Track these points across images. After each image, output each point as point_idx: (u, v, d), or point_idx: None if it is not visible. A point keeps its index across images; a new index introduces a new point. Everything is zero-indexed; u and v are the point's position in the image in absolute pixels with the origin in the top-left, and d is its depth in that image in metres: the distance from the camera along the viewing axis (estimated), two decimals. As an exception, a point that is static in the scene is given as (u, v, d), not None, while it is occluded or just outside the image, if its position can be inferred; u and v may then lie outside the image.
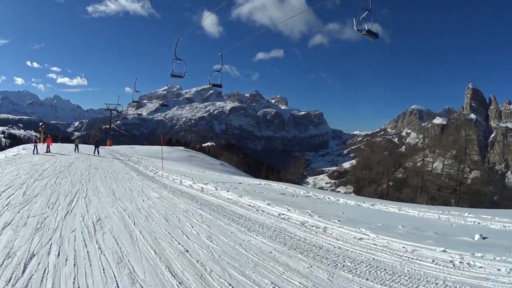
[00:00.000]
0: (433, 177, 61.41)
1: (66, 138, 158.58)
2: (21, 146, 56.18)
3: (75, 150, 50.23)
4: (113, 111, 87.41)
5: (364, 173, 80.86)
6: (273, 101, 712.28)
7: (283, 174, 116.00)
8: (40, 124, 64.68)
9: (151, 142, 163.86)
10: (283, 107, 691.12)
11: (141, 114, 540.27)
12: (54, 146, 52.30)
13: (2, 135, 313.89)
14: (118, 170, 31.86)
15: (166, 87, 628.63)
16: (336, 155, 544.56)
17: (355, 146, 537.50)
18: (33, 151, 43.53)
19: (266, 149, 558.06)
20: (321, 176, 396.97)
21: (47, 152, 45.08)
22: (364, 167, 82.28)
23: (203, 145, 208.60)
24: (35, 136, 53.53)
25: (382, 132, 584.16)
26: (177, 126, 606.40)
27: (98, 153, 48.50)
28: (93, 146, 52.37)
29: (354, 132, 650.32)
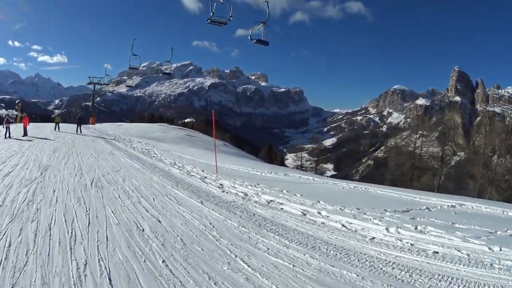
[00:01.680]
0: (416, 158, 55.77)
1: (45, 117, 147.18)
2: None
3: (55, 129, 44.41)
4: (97, 86, 79.15)
5: (345, 151, 74.74)
6: (253, 77, 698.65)
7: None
8: (17, 101, 57.03)
9: (132, 119, 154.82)
10: (263, 84, 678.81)
11: (114, 91, 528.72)
12: (31, 127, 43.50)
13: None
14: (138, 177, 19.05)
15: (147, 64, 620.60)
16: (316, 132, 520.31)
17: (335, 124, 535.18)
18: (5, 134, 34.14)
19: (246, 125, 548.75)
20: (301, 153, 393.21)
21: (24, 135, 36.26)
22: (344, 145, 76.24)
23: (184, 121, 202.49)
24: (7, 115, 41.78)
25: (363, 111, 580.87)
26: (156, 103, 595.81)
27: (81, 132, 43.78)
28: (75, 124, 46.46)
29: (335, 110, 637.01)
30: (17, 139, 33.25)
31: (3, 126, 35.68)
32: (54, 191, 14.32)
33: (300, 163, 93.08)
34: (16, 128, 40.40)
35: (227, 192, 17.05)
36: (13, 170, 17.81)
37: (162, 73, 46.28)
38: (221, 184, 18.70)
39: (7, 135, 33.94)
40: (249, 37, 21.37)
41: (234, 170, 24.96)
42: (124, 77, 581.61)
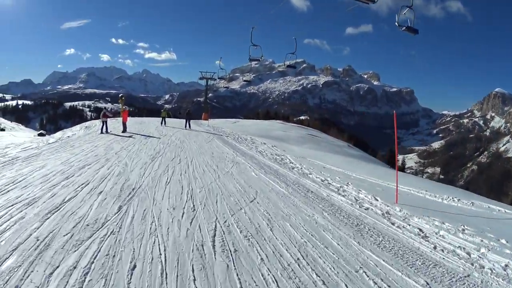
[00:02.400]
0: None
1: (155, 112, 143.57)
2: (86, 123, 41.89)
3: (161, 123, 42.06)
4: (209, 81, 73.51)
5: (452, 155, 66.35)
6: (365, 76, 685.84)
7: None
8: (120, 95, 52.43)
9: (246, 116, 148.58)
10: (375, 83, 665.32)
11: (228, 87, 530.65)
12: (133, 122, 39.87)
13: (88, 109, 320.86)
14: (293, 218, 10.29)
15: (258, 61, 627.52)
16: (426, 134, 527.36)
17: (443, 127, 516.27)
18: (101, 129, 30.68)
19: (359, 124, 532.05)
20: (410, 155, 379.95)
21: (123, 131, 31.54)
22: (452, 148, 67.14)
23: (299, 118, 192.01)
24: (104, 109, 34.76)
25: (469, 114, 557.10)
26: (270, 99, 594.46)
27: (190, 127, 40.50)
28: (184, 120, 44.21)
29: (443, 112, 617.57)
30: (115, 134, 29.14)
31: (100, 121, 32.72)
32: (134, 268, 6.61)
33: (407, 165, 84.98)
34: (116, 123, 36.87)
35: (443, 251, 8.87)
36: (73, 198, 10.43)
37: (287, 66, 40.03)
38: (420, 231, 10.25)
39: (104, 130, 30.56)
40: (396, 24, 19.15)
41: (410, 194, 15.68)
42: (237, 74, 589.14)
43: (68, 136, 28.60)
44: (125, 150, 20.35)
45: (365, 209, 12.10)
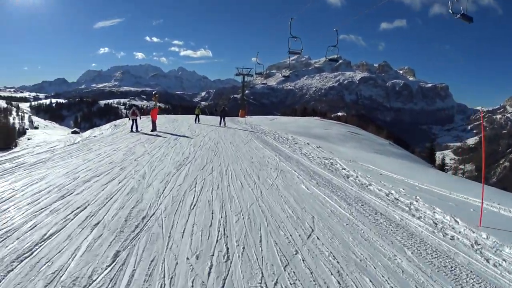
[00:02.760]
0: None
1: (191, 109, 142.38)
2: (116, 122, 39.56)
3: (195, 121, 40.40)
4: (246, 77, 70.46)
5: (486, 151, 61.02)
6: (401, 72, 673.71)
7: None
8: (154, 92, 50.77)
9: (283, 112, 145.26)
10: (411, 78, 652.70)
11: (265, 84, 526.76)
12: (165, 121, 38.93)
13: (123, 107, 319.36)
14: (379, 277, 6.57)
15: (295, 57, 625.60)
16: (461, 130, 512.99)
17: (477, 123, 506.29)
18: (131, 127, 29.28)
19: (395, 120, 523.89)
20: (446, 151, 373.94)
21: (152, 130, 29.86)
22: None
23: (336, 114, 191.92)
24: (134, 106, 36.08)
25: (501, 109, 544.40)
26: (307, 96, 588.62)
27: (225, 124, 38.85)
28: (219, 116, 41.45)
29: (477, 108, 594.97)
30: (145, 133, 27.63)
31: (129, 119, 30.78)
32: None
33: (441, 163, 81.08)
34: (147, 121, 34.68)
35: None
36: (57, 234, 7.45)
37: (329, 60, 37.46)
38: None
39: (134, 128, 29.14)
40: (450, 11, 18.05)
41: (486, 210, 11.97)
42: (273, 71, 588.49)
43: (95, 136, 28.08)
44: (147, 155, 17.39)
45: (450, 238, 8.94)
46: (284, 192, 11.90)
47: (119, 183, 11.42)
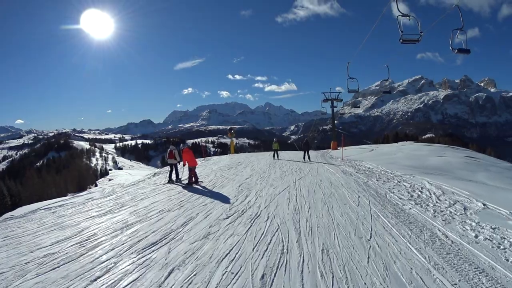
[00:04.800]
0: None
1: (281, 144, 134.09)
2: (163, 169, 30.59)
3: (274, 156, 34.82)
4: (334, 102, 60.70)
5: None
6: (482, 84, 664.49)
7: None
8: (229, 128, 44.13)
9: (375, 140, 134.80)
10: (492, 90, 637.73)
11: (344, 114, 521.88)
12: (226, 164, 29.37)
13: (211, 145, 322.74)
14: None
15: (378, 83, 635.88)
16: None
17: None
18: (169, 176, 20.95)
19: (482, 136, 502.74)
20: None
21: (189, 183, 19.24)
22: None
23: (424, 137, 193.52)
24: (172, 146, 23.18)
25: None
26: (394, 120, 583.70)
27: (309, 158, 32.30)
28: (302, 151, 36.73)
29: None
30: (184, 187, 18.59)
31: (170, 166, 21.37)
32: None
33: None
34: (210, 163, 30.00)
35: None
36: None
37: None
38: None
39: (173, 177, 20.84)
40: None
41: None
42: (359, 99, 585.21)
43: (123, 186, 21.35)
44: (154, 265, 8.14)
45: None
46: None
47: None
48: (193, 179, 19.21)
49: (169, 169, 21.09)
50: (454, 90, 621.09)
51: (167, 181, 20.47)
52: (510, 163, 46.55)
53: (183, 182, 19.83)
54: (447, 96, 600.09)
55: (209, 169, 25.59)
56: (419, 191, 15.35)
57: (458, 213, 11.72)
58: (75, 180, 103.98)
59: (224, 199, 14.55)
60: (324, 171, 22.55)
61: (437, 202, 13.27)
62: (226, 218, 11.50)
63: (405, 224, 10.65)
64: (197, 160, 22.92)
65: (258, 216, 11.68)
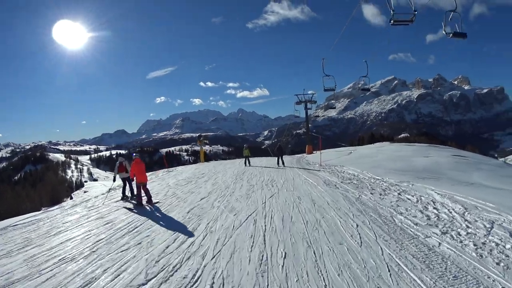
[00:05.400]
0: None
1: (256, 149, 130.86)
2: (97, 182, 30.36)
3: (245, 163, 32.85)
4: (308, 104, 56.59)
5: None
6: (455, 82, 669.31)
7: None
8: (198, 135, 43.91)
9: (351, 143, 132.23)
10: (466, 87, 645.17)
11: (318, 116, 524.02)
12: (187, 175, 26.24)
13: (185, 153, 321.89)
14: None
15: (351, 85, 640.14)
16: None
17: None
18: (122, 192, 18.24)
19: (457, 134, 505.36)
20: (510, 157, 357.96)
21: (139, 202, 15.68)
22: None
23: (398, 136, 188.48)
24: (121, 158, 19.63)
25: None
26: (368, 122, 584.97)
27: (283, 164, 30.54)
28: (276, 157, 35.09)
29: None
30: (128, 209, 15.20)
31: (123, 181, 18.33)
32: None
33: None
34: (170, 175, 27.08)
35: None
36: None
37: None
38: None
39: (128, 193, 17.97)
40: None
41: None
42: (332, 101, 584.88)
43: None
44: None
45: None
46: None
47: None
48: (145, 197, 15.83)
49: (123, 185, 18.30)
50: (428, 89, 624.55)
51: (121, 198, 17.53)
52: (495, 159, 44.43)
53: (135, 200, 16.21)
54: (421, 95, 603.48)
55: (164, 184, 22.00)
56: (433, 207, 11.66)
57: (510, 245, 7.96)
58: (49, 194, 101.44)
59: (158, 238, 10.50)
60: (302, 182, 18.76)
61: (467, 226, 9.48)
62: (143, 286, 7.31)
63: (448, 283, 6.51)
64: (160, 171, 22.05)
65: (196, 282, 7.27)
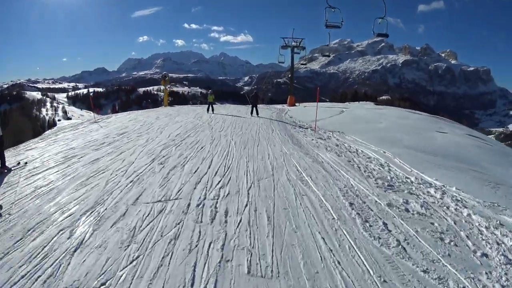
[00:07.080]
0: None
1: (234, 94, 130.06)
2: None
3: (208, 110, 30.44)
4: (296, 49, 50.00)
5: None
6: (443, 55, 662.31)
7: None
8: (162, 75, 46.34)
9: (332, 98, 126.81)
10: (453, 62, 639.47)
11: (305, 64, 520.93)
12: (152, 115, 25.77)
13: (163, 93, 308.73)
14: None
15: (337, 41, 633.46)
16: (503, 115, 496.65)
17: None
18: None
19: (438, 105, 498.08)
20: (489, 137, 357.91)
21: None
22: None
23: (380, 98, 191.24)
24: None
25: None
26: (350, 79, 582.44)
27: (257, 114, 28.53)
28: (250, 105, 32.43)
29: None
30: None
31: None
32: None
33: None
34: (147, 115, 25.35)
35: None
36: None
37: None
38: None
39: None
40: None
41: None
42: (316, 54, 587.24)
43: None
44: None
45: None
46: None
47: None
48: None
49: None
50: (414, 57, 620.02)
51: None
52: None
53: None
54: (407, 61, 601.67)
55: (61, 148, 14.17)
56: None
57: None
58: (16, 135, 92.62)
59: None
60: (291, 170, 10.85)
61: None
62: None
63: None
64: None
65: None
